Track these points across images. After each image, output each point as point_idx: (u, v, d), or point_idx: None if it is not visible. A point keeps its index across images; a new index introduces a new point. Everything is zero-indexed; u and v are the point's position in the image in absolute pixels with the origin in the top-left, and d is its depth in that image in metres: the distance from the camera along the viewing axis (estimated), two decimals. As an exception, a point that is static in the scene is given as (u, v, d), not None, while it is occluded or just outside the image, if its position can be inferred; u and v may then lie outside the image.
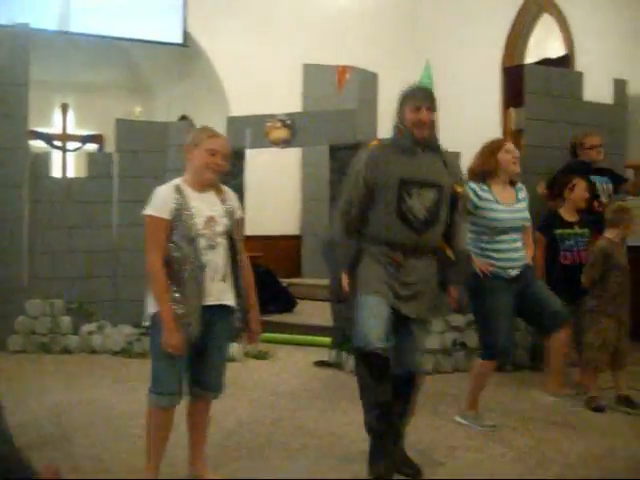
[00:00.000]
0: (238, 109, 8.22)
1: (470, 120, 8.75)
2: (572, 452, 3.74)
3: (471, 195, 4.11)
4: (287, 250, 9.21)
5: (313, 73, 9.24)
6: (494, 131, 8.79)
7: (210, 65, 9.31)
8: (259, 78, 8.90)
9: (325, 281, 6.31)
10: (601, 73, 6.88)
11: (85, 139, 11.11)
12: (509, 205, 4.14)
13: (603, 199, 5.61)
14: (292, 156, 8.80)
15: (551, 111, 6.18)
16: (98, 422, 4.21)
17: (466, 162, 5.93)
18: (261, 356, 6.16)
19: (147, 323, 3.11)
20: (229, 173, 6.27)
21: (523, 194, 4.26)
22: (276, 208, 9.03)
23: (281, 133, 6.27)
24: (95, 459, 3.56)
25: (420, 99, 3.28)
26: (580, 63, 7.69)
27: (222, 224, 3.06)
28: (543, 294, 4.20)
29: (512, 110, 8.65)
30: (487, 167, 4.19)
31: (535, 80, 6.19)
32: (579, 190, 5.05)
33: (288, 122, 6.27)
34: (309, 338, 6.70)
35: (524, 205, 4.23)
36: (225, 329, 3.14)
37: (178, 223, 2.96)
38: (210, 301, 3.02)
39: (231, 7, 9.05)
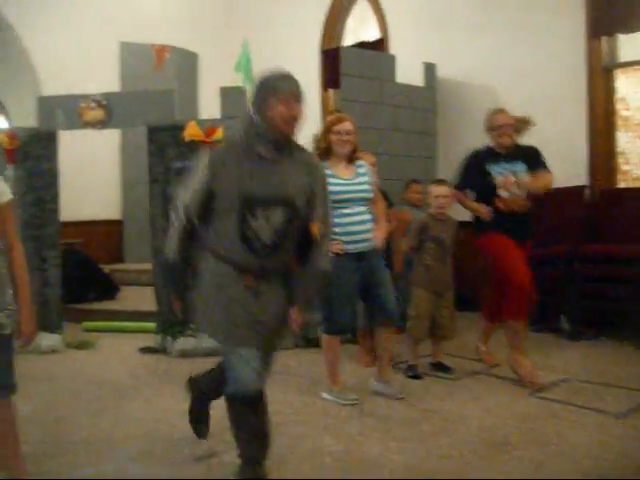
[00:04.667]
0: (51, 89, 7.78)
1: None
2: (392, 418, 3.94)
3: None
4: (108, 235, 8.90)
5: (131, 52, 8.97)
6: (315, 112, 8.99)
7: (19, 42, 8.72)
8: (73, 57, 8.47)
9: (148, 265, 6.16)
10: (412, 57, 7.21)
11: None
12: (348, 179, 4.23)
13: (504, 193, 4.65)
14: (111, 138, 8.50)
15: (365, 92, 6.39)
16: None
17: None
18: (84, 346, 5.94)
19: None
20: (41, 156, 6.01)
21: (363, 170, 4.34)
22: (95, 192, 8.67)
23: (96, 114, 6.01)
24: None
25: (295, 92, 2.83)
26: (393, 47, 8.00)
27: None
28: (381, 287, 4.25)
29: (330, 91, 8.86)
30: (322, 145, 4.27)
31: (350, 62, 6.37)
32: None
33: (104, 102, 6.03)
34: (133, 324, 6.54)
35: (365, 179, 4.30)
36: None
37: None
38: None
39: (40, -19, 8.54)
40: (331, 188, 4.09)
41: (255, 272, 2.86)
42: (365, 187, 4.29)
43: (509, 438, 3.58)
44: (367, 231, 4.24)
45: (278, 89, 2.79)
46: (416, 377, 4.75)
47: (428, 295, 4.82)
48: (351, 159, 4.33)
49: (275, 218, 2.81)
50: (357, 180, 4.27)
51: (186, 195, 2.90)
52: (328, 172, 4.14)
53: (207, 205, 2.85)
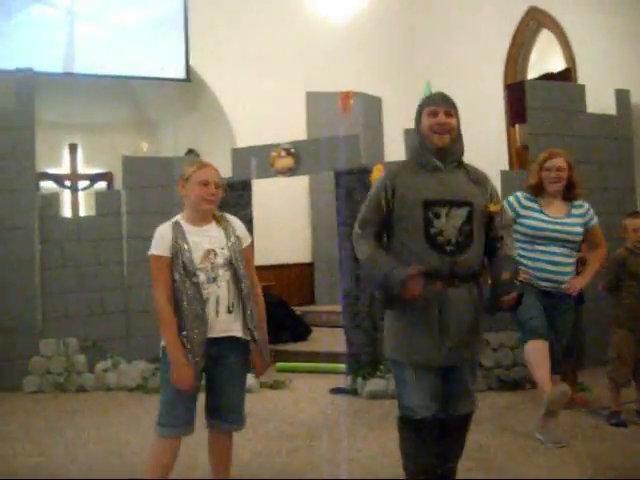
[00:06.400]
0: (244, 140, 8.26)
1: (475, 138, 8.73)
2: (590, 468, 3.68)
3: (514, 203, 4.06)
4: (299, 278, 9.20)
5: (316, 100, 9.31)
6: (500, 149, 8.81)
7: (214, 98, 9.38)
8: (263, 108, 8.95)
9: (338, 307, 6.27)
10: (603, 84, 6.87)
11: (94, 178, 11.21)
12: (556, 217, 4.06)
13: None
14: (299, 184, 8.82)
15: (554, 125, 6.17)
16: (112, 460, 4.19)
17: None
18: (277, 386, 6.12)
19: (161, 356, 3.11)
20: (236, 204, 6.36)
21: (580, 211, 4.13)
22: (286, 237, 9.04)
23: (286, 162, 6.28)
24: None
25: (437, 102, 3.04)
26: (582, 76, 7.69)
27: (223, 256, 3.04)
28: (557, 336, 4.05)
29: (517, 127, 8.66)
30: (533, 183, 4.16)
31: (536, 95, 6.19)
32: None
33: (292, 150, 6.29)
34: (324, 365, 6.65)
35: (576, 221, 4.09)
36: (237, 361, 3.09)
37: (176, 259, 2.97)
38: (216, 334, 3.00)
39: (232, 40, 9.14)
40: (530, 222, 4.00)
41: (443, 277, 2.89)
42: (573, 229, 4.06)
43: None
44: (558, 273, 4.01)
45: (424, 105, 3.06)
46: (620, 424, 4.43)
47: (630, 335, 4.50)
48: (569, 197, 4.15)
49: (456, 217, 2.91)
50: (567, 220, 4.05)
51: (366, 216, 3.07)
52: (535, 206, 4.04)
53: (387, 221, 3.03)
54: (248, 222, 6.42)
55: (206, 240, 3.05)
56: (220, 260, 3.03)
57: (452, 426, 3.07)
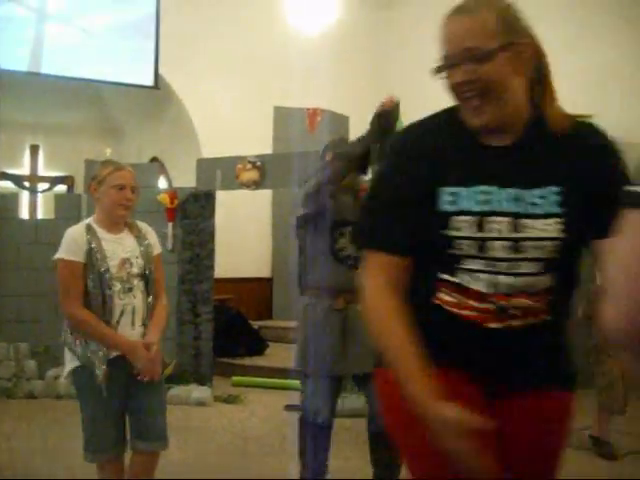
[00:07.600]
0: (209, 151, 8.21)
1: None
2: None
3: None
4: (258, 292, 9.14)
5: (284, 115, 9.31)
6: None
7: (181, 107, 9.32)
8: (230, 120, 8.92)
9: (295, 323, 6.23)
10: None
11: (55, 180, 11.02)
12: None
13: None
14: (262, 198, 8.79)
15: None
16: (59, 470, 4.09)
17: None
18: (231, 400, 6.06)
19: (65, 379, 2.95)
20: (199, 215, 6.30)
21: None
22: (247, 250, 8.97)
23: (251, 175, 6.25)
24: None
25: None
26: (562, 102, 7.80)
27: (137, 265, 2.85)
28: None
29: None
30: None
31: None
32: None
33: (258, 164, 6.27)
34: (280, 381, 6.60)
35: None
36: None
37: (91, 267, 2.76)
38: None
39: (203, 50, 9.10)
40: None
41: (347, 290, 3.18)
42: None
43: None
44: None
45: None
46: (609, 457, 4.41)
47: (619, 364, 4.48)
48: None
49: None
50: None
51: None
52: None
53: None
54: (210, 234, 6.39)
55: (121, 248, 2.85)
56: (135, 270, 2.84)
57: (372, 438, 3.37)
